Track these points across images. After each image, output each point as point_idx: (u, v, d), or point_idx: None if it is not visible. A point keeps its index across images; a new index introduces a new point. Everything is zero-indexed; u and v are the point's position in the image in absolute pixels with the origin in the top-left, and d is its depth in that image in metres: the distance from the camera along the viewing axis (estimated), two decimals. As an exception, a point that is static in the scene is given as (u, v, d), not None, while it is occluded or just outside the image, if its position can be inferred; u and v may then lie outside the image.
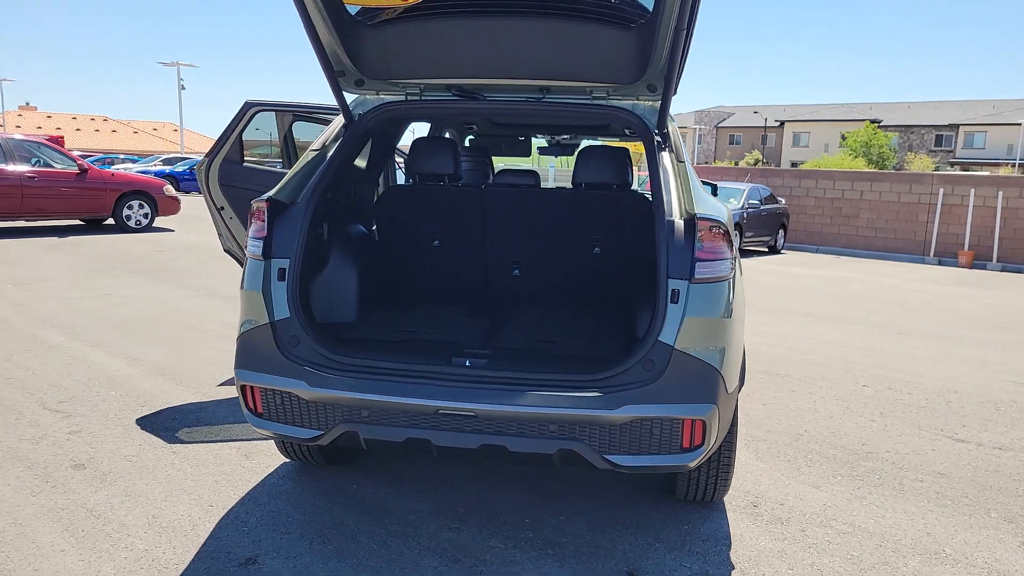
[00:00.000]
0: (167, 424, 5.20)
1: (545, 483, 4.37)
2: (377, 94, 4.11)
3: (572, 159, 5.76)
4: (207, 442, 4.88)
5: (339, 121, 4.09)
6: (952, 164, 68.05)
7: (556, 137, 6.69)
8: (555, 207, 4.60)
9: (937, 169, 57.79)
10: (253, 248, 3.59)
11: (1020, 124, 62.78)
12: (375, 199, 4.95)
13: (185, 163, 38.90)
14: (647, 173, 3.78)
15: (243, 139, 5.70)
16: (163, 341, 7.43)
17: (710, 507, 4.19)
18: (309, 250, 3.60)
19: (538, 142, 7.12)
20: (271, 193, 3.64)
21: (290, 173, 3.76)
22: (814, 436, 5.44)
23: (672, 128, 3.83)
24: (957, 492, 4.56)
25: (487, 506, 4.10)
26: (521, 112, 3.82)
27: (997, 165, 64.62)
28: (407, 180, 5.00)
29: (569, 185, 4.77)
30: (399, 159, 6.43)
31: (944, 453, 5.21)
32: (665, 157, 3.65)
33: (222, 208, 5.64)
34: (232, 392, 5.90)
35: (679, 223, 3.36)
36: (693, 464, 3.24)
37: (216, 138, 5.75)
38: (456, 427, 3.25)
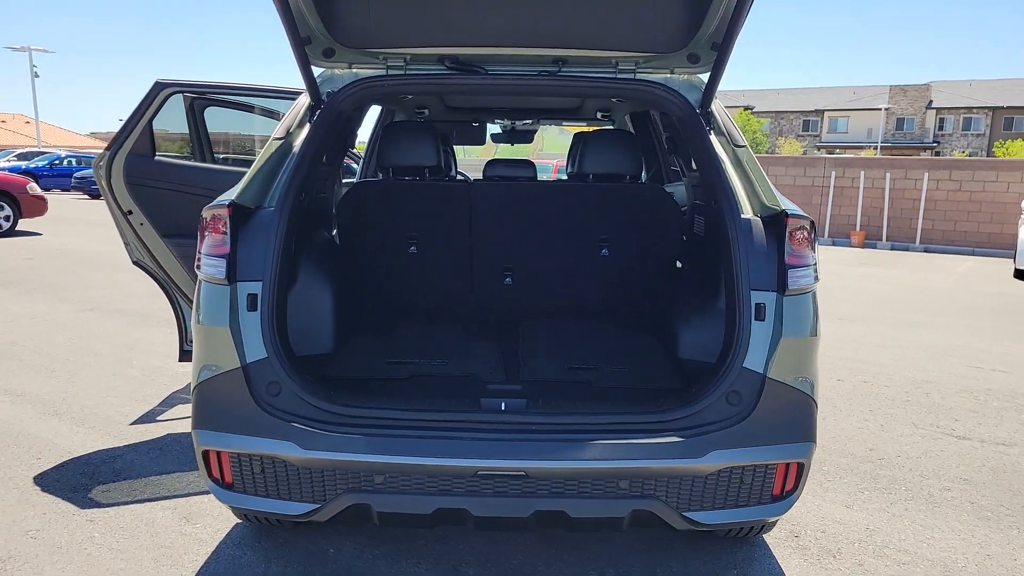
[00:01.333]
0: (76, 482, 4.20)
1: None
2: (349, 67, 3.31)
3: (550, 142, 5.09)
4: (132, 503, 3.94)
5: (301, 104, 3.26)
6: (818, 148, 71.89)
7: (515, 122, 5.98)
8: (555, 203, 3.95)
9: (805, 153, 60.81)
10: (211, 269, 2.74)
11: (879, 109, 66.98)
12: (336, 197, 4.13)
13: (44, 157, 35.48)
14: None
15: (154, 128, 4.70)
16: (50, 370, 6.26)
17: (750, 543, 3.66)
18: (283, 266, 2.79)
19: (492, 128, 6.41)
20: (231, 196, 2.79)
21: (252, 170, 2.92)
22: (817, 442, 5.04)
23: (718, 107, 3.24)
24: (991, 501, 4.25)
25: (500, 564, 3.41)
26: (533, 88, 3.12)
27: (859, 148, 68.76)
28: (365, 173, 4.19)
29: (563, 177, 4.11)
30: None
31: (954, 454, 4.94)
32: (715, 142, 3.05)
33: (130, 212, 4.63)
34: (154, 432, 4.91)
35: (756, 221, 2.77)
36: (784, 514, 2.69)
37: (119, 129, 4.71)
38: (500, 491, 2.55)
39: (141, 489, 4.10)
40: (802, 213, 2.74)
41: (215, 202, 2.79)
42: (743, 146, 3.07)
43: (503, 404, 2.75)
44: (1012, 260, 15.88)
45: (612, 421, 2.63)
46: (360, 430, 2.60)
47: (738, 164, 3.01)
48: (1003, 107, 64.67)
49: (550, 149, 20.01)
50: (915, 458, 4.85)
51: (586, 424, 2.63)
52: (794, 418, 2.65)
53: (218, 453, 2.64)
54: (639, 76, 3.24)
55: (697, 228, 3.84)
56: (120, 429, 4.99)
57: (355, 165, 5.80)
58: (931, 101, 67.21)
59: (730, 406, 2.66)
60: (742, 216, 2.79)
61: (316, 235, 3.62)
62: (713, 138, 3.09)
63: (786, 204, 2.82)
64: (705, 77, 3.15)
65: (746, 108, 75.92)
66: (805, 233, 2.70)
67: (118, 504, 3.92)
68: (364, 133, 9.17)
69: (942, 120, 67.40)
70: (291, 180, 2.87)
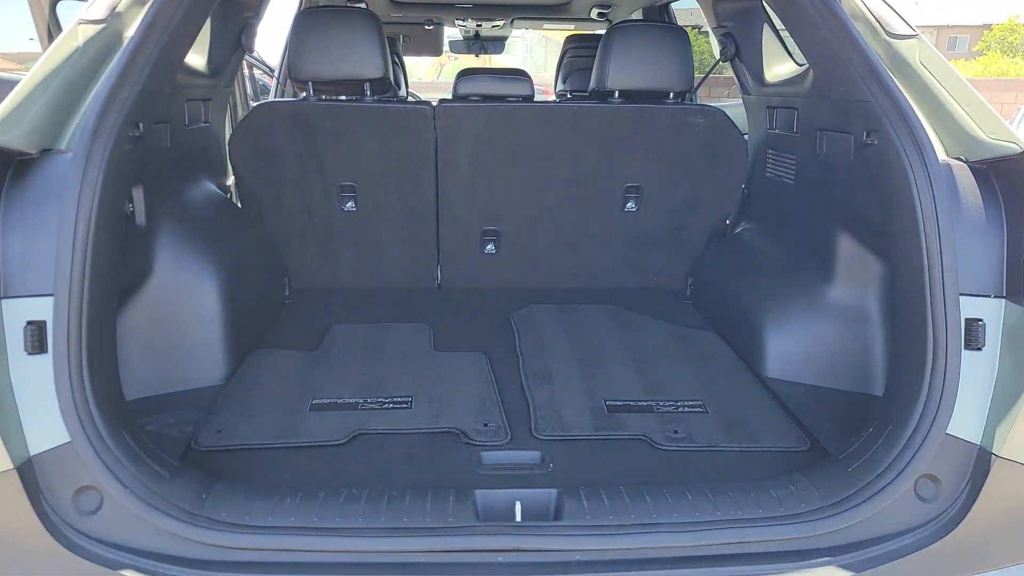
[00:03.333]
0: None
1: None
2: None
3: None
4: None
5: None
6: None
7: (481, 23, 4.52)
8: (561, 136, 2.64)
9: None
10: None
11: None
12: (229, 129, 2.73)
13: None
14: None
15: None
16: None
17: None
18: (104, 257, 1.50)
19: (450, 32, 4.95)
20: None
21: (28, 80, 1.54)
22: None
23: None
24: None
25: None
26: None
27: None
28: (282, 92, 2.83)
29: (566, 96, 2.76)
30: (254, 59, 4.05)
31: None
32: (853, 27, 1.78)
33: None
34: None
35: (962, 169, 1.58)
36: None
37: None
38: None
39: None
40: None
41: None
42: (912, 36, 1.80)
43: (518, 507, 1.54)
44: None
45: (718, 541, 1.45)
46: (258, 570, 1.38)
47: (901, 67, 1.75)
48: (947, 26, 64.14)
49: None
50: None
51: (675, 548, 1.44)
52: None
53: None
54: None
55: (774, 172, 2.61)
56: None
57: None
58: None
59: (922, 503, 1.51)
60: (931, 159, 1.56)
61: (192, 192, 2.27)
62: (855, 24, 1.81)
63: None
64: None
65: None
66: None
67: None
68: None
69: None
70: (109, 100, 1.51)
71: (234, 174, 2.71)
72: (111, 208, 1.55)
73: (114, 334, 1.63)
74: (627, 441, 1.85)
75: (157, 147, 2.01)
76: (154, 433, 1.78)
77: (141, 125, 1.66)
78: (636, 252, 2.92)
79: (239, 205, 2.81)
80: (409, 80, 4.91)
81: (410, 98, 4.59)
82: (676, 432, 1.86)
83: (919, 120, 1.62)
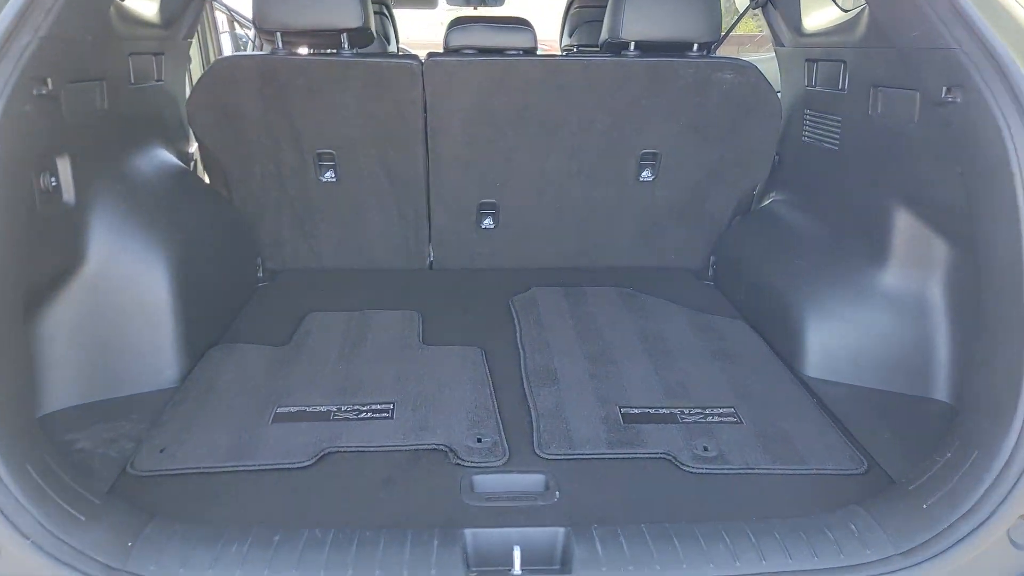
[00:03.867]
0: None
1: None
2: None
3: None
4: None
5: None
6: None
7: None
8: (567, 95, 2.31)
9: None
10: None
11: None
12: (187, 89, 2.40)
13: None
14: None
15: None
16: None
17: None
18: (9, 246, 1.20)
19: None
20: None
21: None
22: None
23: None
24: None
25: None
26: None
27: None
28: (254, 45, 2.50)
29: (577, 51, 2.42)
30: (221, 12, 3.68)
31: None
32: None
33: None
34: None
35: None
36: None
37: None
38: None
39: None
40: None
41: None
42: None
43: (516, 553, 1.25)
44: None
45: None
46: None
47: (989, 6, 1.43)
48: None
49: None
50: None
51: None
52: None
53: None
54: None
55: (812, 135, 2.27)
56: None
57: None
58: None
59: (1017, 552, 1.23)
60: None
61: (137, 163, 1.95)
62: None
63: None
64: None
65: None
66: None
67: None
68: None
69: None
70: (4, 48, 1.20)
71: (197, 140, 2.39)
72: (10, 183, 1.24)
73: (21, 340, 1.33)
74: (647, 461, 1.55)
75: (87, 109, 1.69)
76: (83, 455, 1.50)
77: (50, 81, 1.33)
78: (652, 227, 2.60)
79: (203, 176, 2.50)
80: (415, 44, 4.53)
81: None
82: (706, 449, 1.57)
83: (1022, 73, 1.29)
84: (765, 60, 2.66)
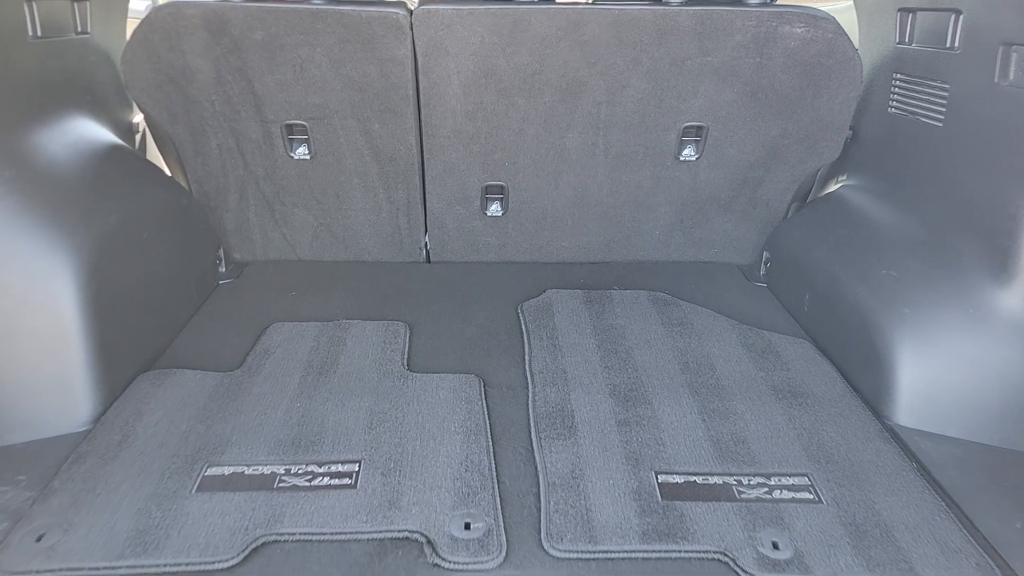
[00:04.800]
0: None
1: None
2: None
3: None
4: None
5: None
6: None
7: None
8: (593, 53, 1.84)
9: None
10: None
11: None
12: (122, 44, 1.96)
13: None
14: None
15: None
16: None
17: None
18: None
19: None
20: None
21: None
22: None
23: None
24: None
25: None
26: None
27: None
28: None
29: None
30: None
31: None
32: None
33: None
34: None
35: None
36: None
37: None
38: None
39: None
40: None
41: None
42: None
43: None
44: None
45: None
46: None
47: None
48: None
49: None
50: None
51: None
52: None
53: None
54: None
55: (902, 106, 1.80)
56: None
57: None
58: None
59: None
60: None
61: (44, 140, 1.53)
62: None
63: None
64: None
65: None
66: None
67: None
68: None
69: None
70: None
71: (140, 110, 1.96)
72: None
73: None
74: (695, 563, 1.14)
75: None
76: None
77: None
78: (693, 215, 2.15)
79: (153, 150, 2.08)
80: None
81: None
82: (776, 547, 1.15)
83: None
84: (839, 11, 2.16)
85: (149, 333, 1.66)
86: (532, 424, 1.44)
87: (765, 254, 2.14)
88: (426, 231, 2.19)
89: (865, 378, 1.56)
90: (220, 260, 2.09)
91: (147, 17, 1.74)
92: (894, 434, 1.42)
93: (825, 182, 2.17)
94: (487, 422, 1.44)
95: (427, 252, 2.23)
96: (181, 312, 1.83)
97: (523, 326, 1.83)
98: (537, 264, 2.22)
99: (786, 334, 1.80)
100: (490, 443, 1.38)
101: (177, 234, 1.87)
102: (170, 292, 1.79)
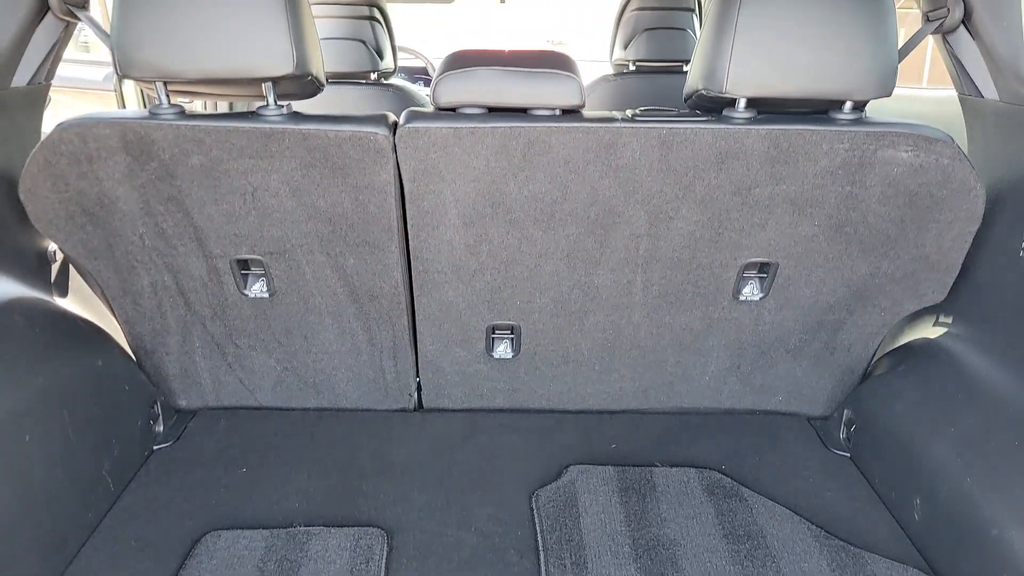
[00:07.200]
0: None
1: None
2: None
3: None
4: None
5: None
6: None
7: None
8: (633, 177, 1.41)
9: None
10: None
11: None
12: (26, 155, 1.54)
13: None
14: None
15: None
16: None
17: None
18: None
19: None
20: None
21: None
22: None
23: None
24: None
25: None
26: None
27: None
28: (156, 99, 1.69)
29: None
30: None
31: None
32: None
33: None
34: None
35: None
36: None
37: None
38: None
39: None
40: None
41: None
42: None
43: None
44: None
45: None
46: None
47: None
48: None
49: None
50: None
51: None
52: None
53: None
54: None
55: None
56: None
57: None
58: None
59: None
60: None
61: None
62: None
63: None
64: None
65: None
66: None
67: None
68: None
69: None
70: None
71: (54, 242, 1.54)
72: None
73: None
74: None
75: None
76: None
77: None
78: (754, 360, 1.72)
79: (68, 284, 1.66)
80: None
81: (406, 62, 3.33)
82: None
83: None
84: (936, 102, 1.72)
85: (32, 565, 1.24)
86: None
87: (846, 413, 1.69)
88: (417, 373, 1.77)
89: None
90: (156, 417, 1.67)
91: (48, 139, 1.32)
92: None
93: (918, 324, 1.72)
94: None
95: (418, 398, 1.81)
96: (80, 525, 1.39)
97: (538, 533, 1.39)
98: (555, 414, 1.79)
99: (893, 559, 1.35)
100: None
101: (84, 414, 1.42)
102: (50, 493, 1.33)
